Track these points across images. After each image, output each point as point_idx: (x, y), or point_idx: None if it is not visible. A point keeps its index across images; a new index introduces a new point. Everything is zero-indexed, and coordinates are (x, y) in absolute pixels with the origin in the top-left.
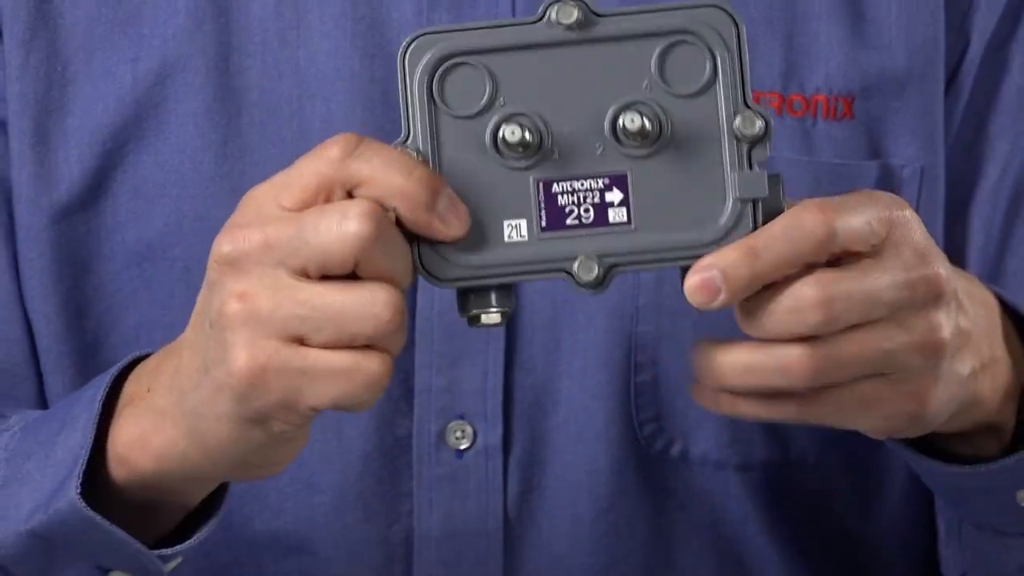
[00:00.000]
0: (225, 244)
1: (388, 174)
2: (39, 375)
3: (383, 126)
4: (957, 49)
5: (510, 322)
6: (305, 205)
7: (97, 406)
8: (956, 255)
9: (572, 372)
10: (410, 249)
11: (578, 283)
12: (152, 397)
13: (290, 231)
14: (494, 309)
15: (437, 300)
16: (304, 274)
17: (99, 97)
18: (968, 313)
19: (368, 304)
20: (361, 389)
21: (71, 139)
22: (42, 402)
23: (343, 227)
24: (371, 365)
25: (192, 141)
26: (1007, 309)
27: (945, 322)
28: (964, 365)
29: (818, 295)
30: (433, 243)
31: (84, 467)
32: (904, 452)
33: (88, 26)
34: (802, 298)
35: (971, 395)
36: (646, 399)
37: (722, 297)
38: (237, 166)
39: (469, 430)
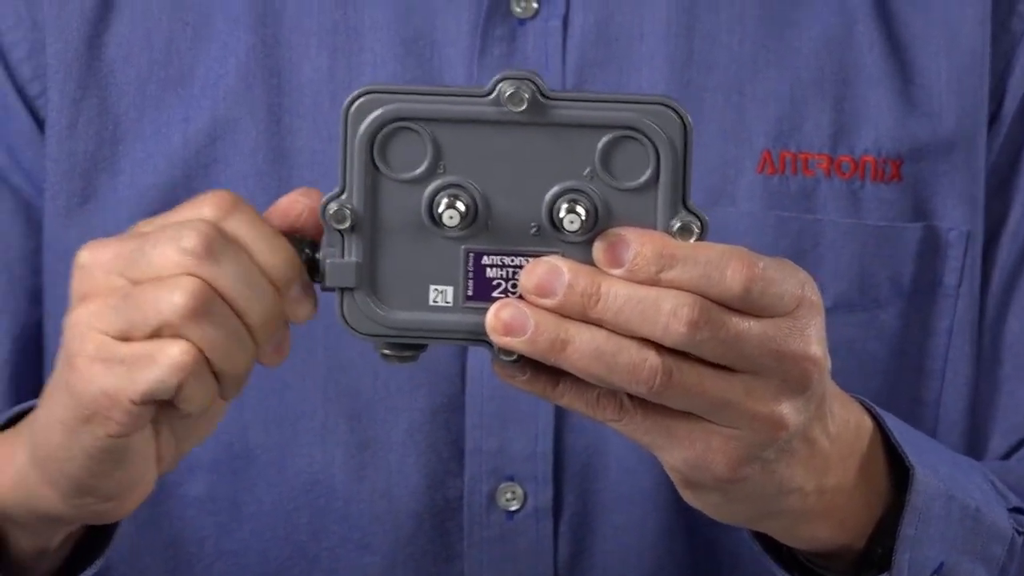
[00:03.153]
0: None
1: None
2: None
3: None
4: (992, 110)
5: None
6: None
7: None
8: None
9: (621, 435)
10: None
11: (496, 355)
12: (19, 430)
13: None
14: (408, 354)
15: (487, 362)
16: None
17: (149, 156)
18: (829, 431)
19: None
20: (165, 372)
21: (121, 197)
22: None
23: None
24: (171, 350)
25: None
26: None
27: (795, 412)
28: (794, 473)
29: (693, 315)
30: (355, 296)
31: None
32: (762, 557)
33: (139, 85)
34: (680, 307)
35: (798, 510)
36: None
37: (622, 270)
38: None
39: (520, 492)
